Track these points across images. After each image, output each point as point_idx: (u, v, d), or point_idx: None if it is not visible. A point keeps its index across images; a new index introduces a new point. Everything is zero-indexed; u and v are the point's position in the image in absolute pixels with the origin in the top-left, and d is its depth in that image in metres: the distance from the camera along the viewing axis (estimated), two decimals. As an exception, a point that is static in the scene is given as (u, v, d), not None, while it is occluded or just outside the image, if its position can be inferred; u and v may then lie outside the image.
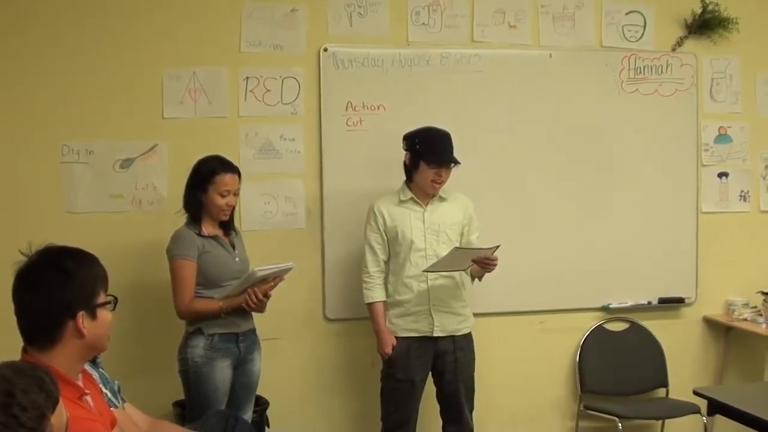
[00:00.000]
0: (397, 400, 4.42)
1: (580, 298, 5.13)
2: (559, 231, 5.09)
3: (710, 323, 5.39)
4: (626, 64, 5.16)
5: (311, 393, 4.88)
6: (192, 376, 3.99)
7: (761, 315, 5.21)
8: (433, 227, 4.39)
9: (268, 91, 4.76)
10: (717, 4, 5.27)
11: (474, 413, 4.60)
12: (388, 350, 4.38)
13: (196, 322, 4.01)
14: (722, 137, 5.36)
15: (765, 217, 5.45)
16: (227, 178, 4.05)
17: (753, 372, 5.29)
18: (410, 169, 4.40)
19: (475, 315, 4.64)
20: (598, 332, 5.20)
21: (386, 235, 4.40)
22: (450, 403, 4.48)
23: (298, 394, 4.85)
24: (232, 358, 4.06)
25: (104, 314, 2.58)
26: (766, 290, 5.23)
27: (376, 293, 4.40)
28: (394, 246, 4.39)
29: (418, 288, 4.37)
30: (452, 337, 4.41)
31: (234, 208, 4.15)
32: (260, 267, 3.96)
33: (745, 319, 5.25)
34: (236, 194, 4.12)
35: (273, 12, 4.78)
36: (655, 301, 5.24)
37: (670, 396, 5.18)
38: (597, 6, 5.14)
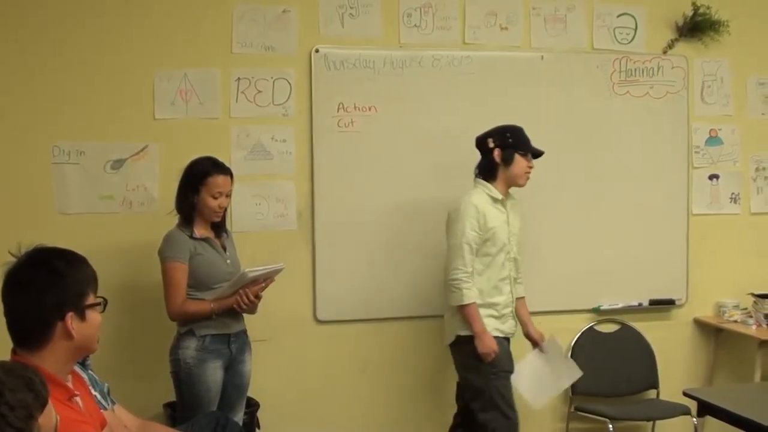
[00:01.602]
0: (510, 393, 4.36)
1: (571, 300, 5.14)
2: (550, 232, 5.09)
3: (701, 325, 5.40)
4: (617, 67, 5.17)
5: (302, 395, 4.87)
6: (184, 378, 3.98)
7: (751, 317, 5.24)
8: (512, 229, 4.43)
9: (260, 92, 4.76)
10: (708, 7, 5.28)
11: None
12: (496, 347, 4.26)
13: (188, 323, 4.01)
14: (713, 139, 5.37)
15: (755, 219, 5.47)
16: (220, 180, 4.05)
17: (743, 373, 5.29)
18: (499, 166, 4.39)
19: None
20: (589, 334, 5.21)
21: (483, 235, 4.32)
22: None
23: (289, 396, 4.84)
24: (224, 359, 4.06)
25: (93, 315, 2.58)
26: (756, 292, 5.26)
27: (474, 293, 4.27)
28: (487, 247, 4.32)
29: (506, 290, 4.39)
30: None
31: (226, 209, 4.14)
32: (251, 268, 3.96)
33: (735, 321, 5.27)
34: (228, 196, 4.11)
35: (264, 13, 4.77)
36: (645, 303, 5.26)
37: (661, 397, 5.19)
38: (588, 8, 5.16)
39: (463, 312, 4.27)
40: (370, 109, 4.87)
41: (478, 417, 4.32)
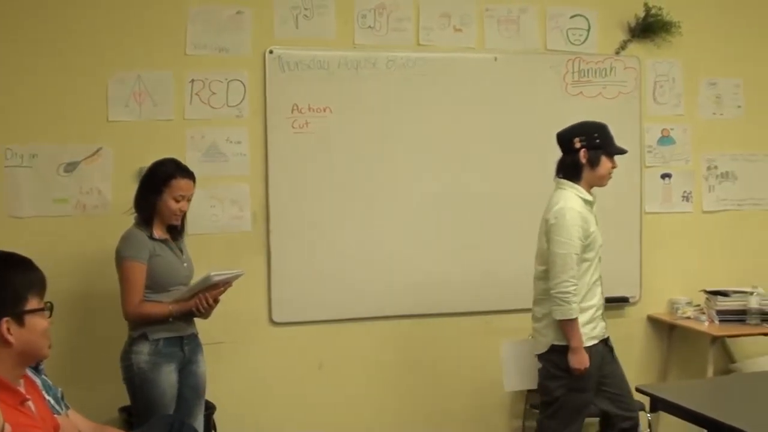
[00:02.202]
0: (582, 415, 4.28)
1: (525, 298, 5.13)
2: (504, 231, 5.13)
3: (654, 322, 5.48)
4: (570, 67, 5.22)
5: (258, 397, 4.86)
6: (138, 383, 3.95)
7: (704, 313, 5.31)
8: (598, 233, 4.27)
9: (214, 93, 4.75)
10: (660, 8, 5.34)
11: (423, 415, 4.65)
12: (588, 363, 4.14)
13: (141, 326, 3.97)
14: (665, 139, 5.44)
15: (707, 217, 5.55)
16: (183, 183, 4.03)
17: (696, 369, 5.37)
18: (584, 166, 4.24)
19: (421, 316, 4.69)
20: (544, 332, 5.24)
21: (584, 242, 4.16)
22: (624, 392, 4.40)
23: (245, 399, 4.83)
24: (177, 361, 4.04)
25: (35, 321, 2.52)
26: (708, 289, 5.33)
27: (578, 307, 4.13)
28: (586, 252, 4.17)
29: (598, 292, 4.27)
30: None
31: (185, 213, 4.13)
32: (216, 272, 3.94)
33: (688, 318, 5.33)
34: (189, 200, 4.10)
35: (218, 14, 4.76)
36: (600, 301, 5.30)
37: (616, 394, 5.24)
38: (541, 10, 5.20)
39: (564, 326, 4.13)
40: (324, 110, 4.87)
41: (543, 422, 4.30)
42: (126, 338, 4.04)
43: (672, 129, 5.45)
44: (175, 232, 4.15)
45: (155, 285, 3.99)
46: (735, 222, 5.59)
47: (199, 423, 4.15)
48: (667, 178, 5.44)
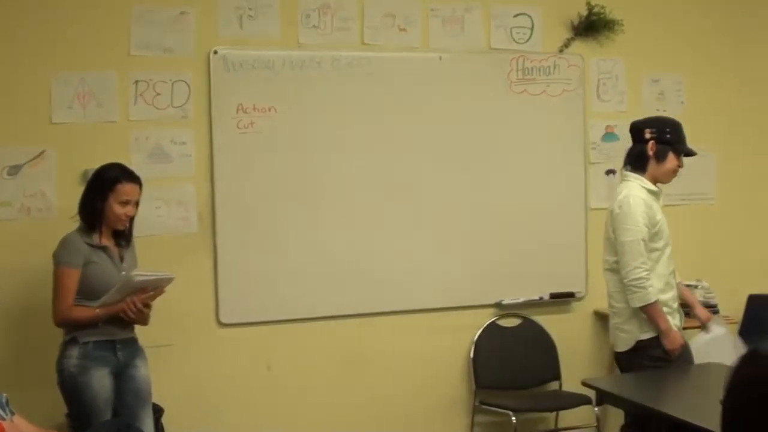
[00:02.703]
0: None
1: (473, 296, 5.22)
2: (451, 230, 5.17)
3: (600, 316, 5.51)
4: (515, 66, 5.26)
5: (206, 399, 4.84)
6: (69, 387, 3.92)
7: (649, 307, 5.38)
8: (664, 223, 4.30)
9: (158, 94, 4.72)
10: (602, 7, 5.39)
11: (373, 414, 4.67)
12: (683, 340, 4.22)
13: (72, 330, 3.94)
14: (609, 135, 5.51)
15: (651, 212, 5.61)
16: (128, 188, 4.01)
17: (643, 362, 5.44)
18: (650, 158, 4.28)
19: (368, 315, 4.70)
20: (492, 328, 5.30)
21: (651, 230, 4.20)
22: None
23: (194, 401, 4.81)
24: (111, 366, 3.99)
25: None
26: (653, 283, 5.41)
27: (656, 289, 4.17)
28: (655, 241, 4.21)
29: (674, 284, 4.29)
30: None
31: (132, 219, 4.10)
32: (138, 272, 3.92)
33: (633, 312, 5.41)
34: (136, 205, 4.07)
35: (162, 15, 4.73)
36: (546, 297, 5.37)
37: (563, 388, 5.31)
38: (485, 9, 5.23)
39: (647, 311, 4.16)
40: (269, 110, 4.87)
41: None
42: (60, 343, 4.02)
43: (616, 125, 5.50)
44: (122, 238, 4.11)
45: (88, 292, 3.95)
46: (677, 217, 5.61)
47: (149, 427, 4.13)
48: (611, 174, 5.50)
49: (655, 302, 4.15)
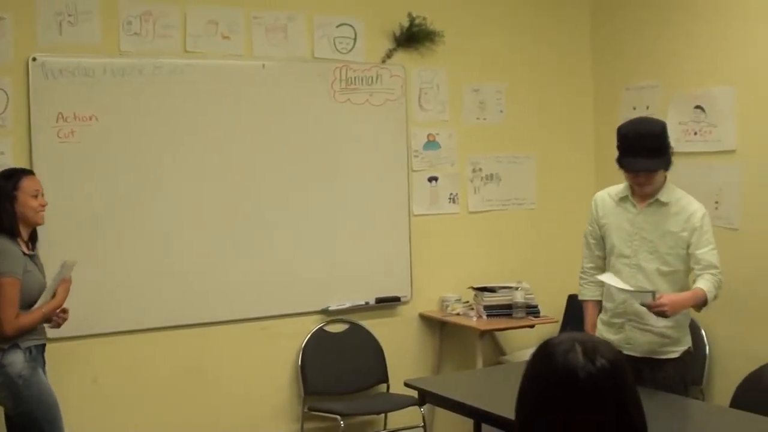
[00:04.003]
0: None
1: (299, 303, 5.24)
2: (277, 238, 5.18)
3: (426, 319, 5.67)
4: (338, 75, 5.33)
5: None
6: (26, 391, 3.88)
7: (473, 309, 5.55)
8: (643, 233, 3.87)
9: (-26, 103, 4.57)
10: (424, 18, 5.53)
11: (205, 425, 4.64)
12: None
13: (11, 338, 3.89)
14: (431, 144, 5.65)
15: (473, 217, 5.80)
16: (31, 180, 4.05)
17: (467, 361, 5.60)
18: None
19: (197, 326, 4.66)
20: (319, 334, 5.35)
21: (599, 231, 4.03)
22: None
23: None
24: (43, 369, 4.03)
25: None
26: (476, 285, 5.57)
27: (585, 291, 4.06)
28: (606, 246, 4.01)
29: (618, 297, 3.91)
30: (651, 359, 3.86)
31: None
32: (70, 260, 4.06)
33: (458, 314, 5.55)
34: (43, 194, 4.09)
35: (-23, 21, 4.57)
36: (372, 302, 5.45)
37: (391, 391, 5.40)
38: (308, 18, 5.28)
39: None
40: (90, 118, 4.76)
41: None
42: None
43: (438, 134, 5.66)
44: (34, 240, 4.12)
45: (23, 303, 3.92)
46: (500, 221, 5.89)
47: None
48: (434, 181, 5.65)
49: (583, 302, 4.13)
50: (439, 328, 5.69)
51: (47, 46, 4.72)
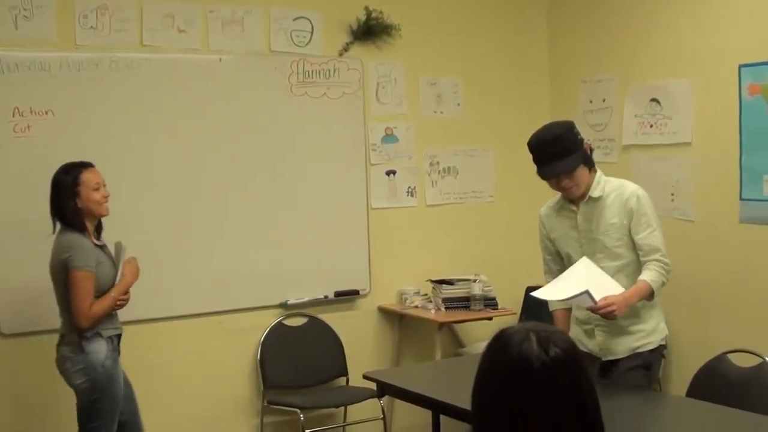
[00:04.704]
0: None
1: (258, 297, 5.24)
2: (234, 231, 5.17)
3: (385, 312, 5.70)
4: (295, 68, 5.33)
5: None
6: (104, 383, 3.96)
7: (431, 301, 5.58)
8: (588, 234, 3.83)
9: (-73, 97, 4.50)
10: (380, 12, 5.54)
11: (162, 422, 4.64)
12: None
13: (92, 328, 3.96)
14: (389, 137, 5.67)
15: (431, 210, 5.83)
16: (91, 173, 4.06)
17: (426, 353, 5.64)
18: None
19: (152, 321, 4.64)
20: (278, 328, 5.35)
21: (553, 246, 3.99)
22: None
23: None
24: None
25: None
26: (434, 278, 5.61)
27: (552, 301, 3.88)
28: (563, 256, 3.95)
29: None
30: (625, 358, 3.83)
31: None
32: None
33: (416, 307, 5.58)
34: (105, 185, 4.10)
35: (-70, 15, 4.50)
36: (331, 295, 5.47)
37: (351, 384, 5.43)
38: (265, 12, 5.26)
39: None
40: (46, 113, 4.72)
41: None
42: (64, 343, 4.03)
43: (395, 127, 5.68)
44: (99, 232, 4.14)
45: (98, 294, 3.97)
46: (457, 214, 5.92)
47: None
48: (392, 175, 5.67)
49: (552, 312, 4.02)
50: (398, 321, 5.72)
51: (2, 40, 4.67)
